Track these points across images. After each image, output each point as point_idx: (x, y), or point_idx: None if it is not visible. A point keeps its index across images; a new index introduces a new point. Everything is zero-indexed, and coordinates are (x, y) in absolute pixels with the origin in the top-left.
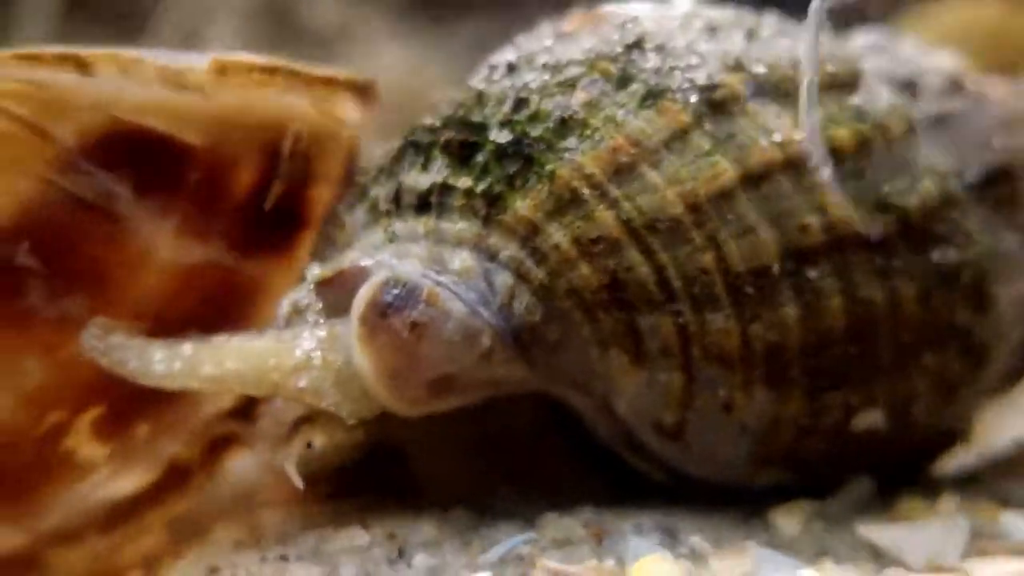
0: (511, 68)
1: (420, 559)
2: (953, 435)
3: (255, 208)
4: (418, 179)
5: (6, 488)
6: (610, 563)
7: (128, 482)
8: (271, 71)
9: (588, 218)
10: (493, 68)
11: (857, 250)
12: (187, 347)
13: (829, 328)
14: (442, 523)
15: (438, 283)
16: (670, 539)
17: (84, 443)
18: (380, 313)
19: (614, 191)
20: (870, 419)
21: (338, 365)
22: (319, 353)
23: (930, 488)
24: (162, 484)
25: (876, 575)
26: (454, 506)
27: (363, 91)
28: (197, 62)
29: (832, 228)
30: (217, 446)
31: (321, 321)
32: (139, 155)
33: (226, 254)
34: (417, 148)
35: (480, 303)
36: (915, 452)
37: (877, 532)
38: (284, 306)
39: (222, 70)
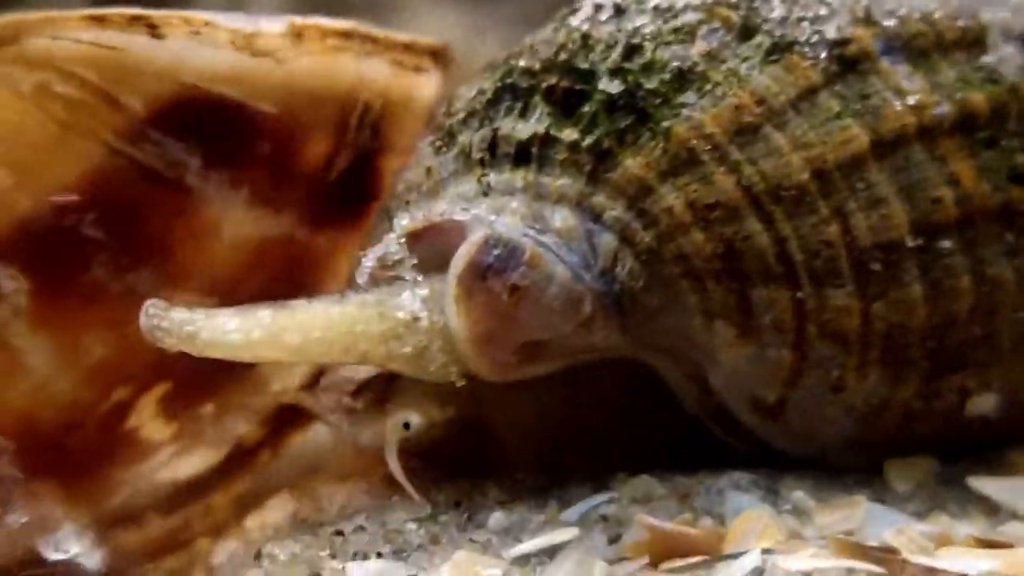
0: (619, 9)
1: (495, 519)
2: None
3: (328, 180)
4: (516, 127)
5: (68, 468)
6: (707, 521)
7: (193, 463)
8: (347, 35)
9: (706, 181)
10: (599, 7)
11: (988, 225)
12: (265, 314)
13: (955, 308)
14: (510, 486)
15: (540, 243)
16: (771, 495)
17: (148, 422)
18: (479, 275)
19: (735, 153)
20: (983, 404)
21: (441, 326)
22: (426, 314)
23: None
24: (227, 465)
25: (993, 530)
26: (520, 470)
27: (440, 57)
28: (271, 26)
29: (965, 201)
30: (283, 423)
31: (419, 278)
32: (210, 124)
33: (298, 228)
34: (515, 92)
35: (582, 266)
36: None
37: (992, 486)
38: (368, 261)
39: (298, 34)
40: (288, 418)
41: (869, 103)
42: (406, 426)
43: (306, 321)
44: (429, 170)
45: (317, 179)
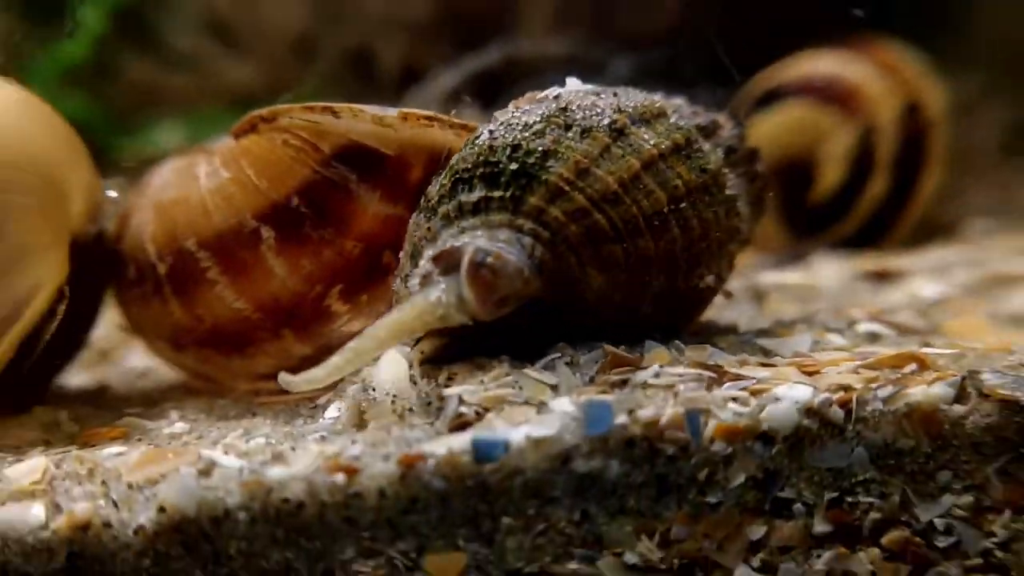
0: (500, 129)
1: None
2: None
3: (422, 191)
4: (469, 197)
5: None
6: (637, 355)
7: None
8: (431, 119)
9: (570, 200)
10: (492, 131)
11: (695, 199)
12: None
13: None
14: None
15: (499, 247)
16: (668, 346)
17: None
18: (476, 267)
19: (580, 183)
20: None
21: (454, 300)
22: (444, 297)
23: None
24: None
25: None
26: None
27: (466, 128)
28: (391, 111)
29: (674, 190)
30: None
31: (442, 281)
32: (361, 158)
33: (406, 215)
34: (463, 181)
35: (520, 254)
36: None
37: (769, 343)
38: (417, 276)
39: (404, 117)
40: None
41: (633, 146)
42: (423, 353)
43: (378, 330)
44: (429, 228)
45: (416, 191)
